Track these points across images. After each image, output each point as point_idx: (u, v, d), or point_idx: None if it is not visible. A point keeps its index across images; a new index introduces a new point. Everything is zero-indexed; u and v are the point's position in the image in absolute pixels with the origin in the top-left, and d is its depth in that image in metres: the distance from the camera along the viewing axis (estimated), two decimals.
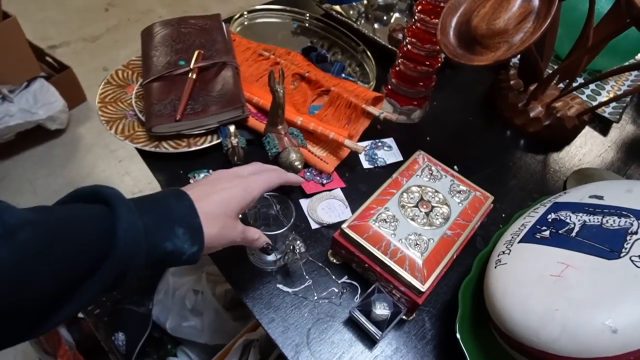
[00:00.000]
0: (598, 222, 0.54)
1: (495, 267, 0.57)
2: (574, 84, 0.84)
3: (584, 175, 0.84)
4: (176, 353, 1.22)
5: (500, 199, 0.73)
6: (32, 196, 1.80)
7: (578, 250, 0.51)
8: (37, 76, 1.90)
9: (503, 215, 0.78)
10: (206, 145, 0.77)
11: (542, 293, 0.49)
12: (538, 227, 0.59)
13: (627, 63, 1.10)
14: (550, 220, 0.59)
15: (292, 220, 0.61)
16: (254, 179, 0.54)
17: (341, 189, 0.77)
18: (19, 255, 0.33)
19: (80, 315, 1.31)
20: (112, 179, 1.88)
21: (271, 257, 0.65)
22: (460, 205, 0.65)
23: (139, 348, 1.19)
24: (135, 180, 1.89)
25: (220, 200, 0.50)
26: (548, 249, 0.54)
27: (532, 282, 0.51)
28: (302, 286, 0.66)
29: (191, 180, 0.74)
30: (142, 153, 0.78)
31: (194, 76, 0.80)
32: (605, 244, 0.51)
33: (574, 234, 0.54)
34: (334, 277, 0.67)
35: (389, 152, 0.83)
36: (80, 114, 2.10)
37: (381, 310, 0.59)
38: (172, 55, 0.85)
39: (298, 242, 0.63)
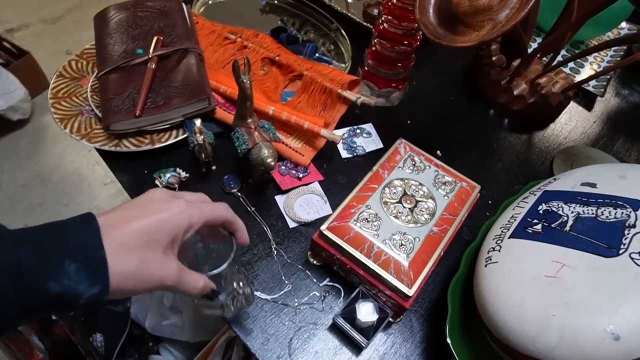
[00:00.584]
0: (592, 214, 0.51)
1: (486, 266, 0.53)
2: (558, 58, 0.80)
3: (570, 155, 0.81)
4: (158, 350, 1.19)
5: (485, 184, 0.69)
6: None
7: (573, 247, 0.48)
8: None
9: (490, 202, 0.74)
10: (171, 141, 0.72)
11: (537, 296, 0.46)
12: (529, 220, 0.55)
13: (610, 33, 1.06)
14: (541, 212, 0.55)
15: (232, 254, 0.47)
16: (198, 205, 0.43)
17: (319, 182, 0.72)
18: None
19: (54, 317, 1.25)
20: (82, 170, 1.80)
21: (216, 302, 0.50)
22: (446, 198, 0.61)
23: (119, 348, 1.15)
24: (107, 170, 1.79)
25: (144, 227, 0.39)
26: (541, 246, 0.50)
27: (526, 284, 0.47)
28: (282, 292, 0.61)
29: (157, 182, 0.69)
30: (101, 153, 0.72)
31: (154, 66, 0.74)
32: (602, 239, 0.47)
33: (567, 227, 0.51)
34: (314, 280, 0.63)
35: (368, 139, 0.78)
36: (44, 102, 1.98)
37: (366, 316, 0.55)
38: (129, 42, 0.77)
39: (241, 282, 0.51)
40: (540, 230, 0.53)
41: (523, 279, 0.48)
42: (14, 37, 2.21)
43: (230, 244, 0.48)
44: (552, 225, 0.52)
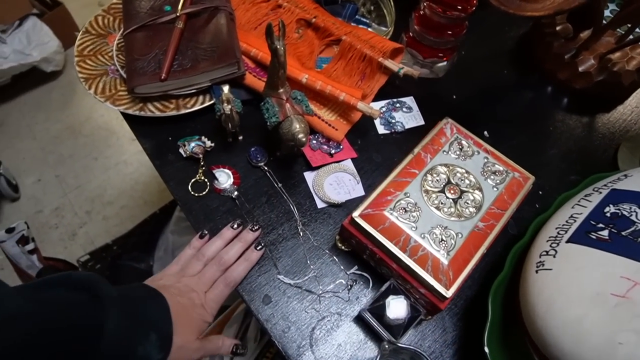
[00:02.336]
0: None
1: (537, 272, 0.47)
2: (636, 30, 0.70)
3: (639, 144, 0.71)
4: None
5: (537, 171, 0.61)
6: (31, 142, 1.73)
7: None
8: (28, 14, 1.76)
9: (540, 192, 0.67)
10: (197, 107, 0.67)
11: (600, 318, 0.40)
12: (592, 222, 0.48)
13: None
14: (608, 215, 0.48)
15: None
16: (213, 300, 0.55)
17: (352, 159, 0.66)
18: (16, 346, 0.34)
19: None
20: (111, 124, 1.79)
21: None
22: (495, 190, 0.54)
23: None
24: None
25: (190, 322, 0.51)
26: (607, 257, 0.44)
27: (586, 301, 0.41)
28: (306, 277, 0.57)
29: (181, 150, 0.64)
30: (125, 116, 0.68)
31: (181, 25, 0.68)
32: None
33: None
34: (341, 267, 0.58)
35: (408, 115, 0.71)
36: (74, 51, 1.97)
37: (396, 315, 0.50)
38: None
39: None
40: (607, 238, 0.46)
41: (583, 295, 0.42)
42: None
43: None
44: (623, 233, 0.45)
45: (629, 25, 0.70)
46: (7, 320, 0.34)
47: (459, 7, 0.66)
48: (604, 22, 0.70)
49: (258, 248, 0.58)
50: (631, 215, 0.46)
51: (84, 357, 0.40)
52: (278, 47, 0.54)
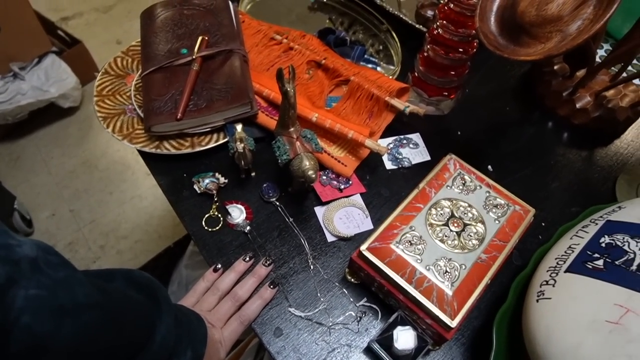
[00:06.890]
0: None
1: (537, 301, 0.49)
2: (628, 69, 0.73)
3: (636, 176, 0.74)
4: None
5: (539, 204, 0.64)
6: (46, 177, 1.78)
7: None
8: (48, 51, 1.84)
9: (543, 224, 0.69)
10: (211, 145, 0.70)
11: (595, 344, 0.41)
12: (589, 253, 0.50)
13: None
14: (603, 245, 0.50)
15: None
16: (230, 336, 0.57)
17: (361, 194, 0.69)
18: (80, 334, 0.34)
19: None
20: (126, 159, 1.83)
21: None
22: (497, 222, 0.56)
23: None
24: None
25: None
26: (602, 285, 0.46)
27: (582, 329, 0.43)
28: (316, 310, 0.59)
29: (195, 186, 0.67)
30: (142, 154, 0.71)
31: (197, 67, 0.72)
32: None
33: (634, 267, 0.46)
34: (351, 299, 0.60)
35: (414, 151, 0.74)
36: (93, 90, 2.04)
37: (404, 345, 0.52)
38: (174, 42, 0.77)
39: None
40: (602, 267, 0.48)
41: (580, 322, 0.44)
42: (68, 25, 2.27)
43: None
44: (616, 262, 0.47)
45: (622, 64, 0.73)
46: (76, 309, 0.34)
47: (461, 50, 0.70)
48: (600, 61, 0.74)
49: (272, 287, 0.59)
50: (624, 245, 0.48)
51: (134, 354, 0.41)
52: (288, 89, 0.58)
